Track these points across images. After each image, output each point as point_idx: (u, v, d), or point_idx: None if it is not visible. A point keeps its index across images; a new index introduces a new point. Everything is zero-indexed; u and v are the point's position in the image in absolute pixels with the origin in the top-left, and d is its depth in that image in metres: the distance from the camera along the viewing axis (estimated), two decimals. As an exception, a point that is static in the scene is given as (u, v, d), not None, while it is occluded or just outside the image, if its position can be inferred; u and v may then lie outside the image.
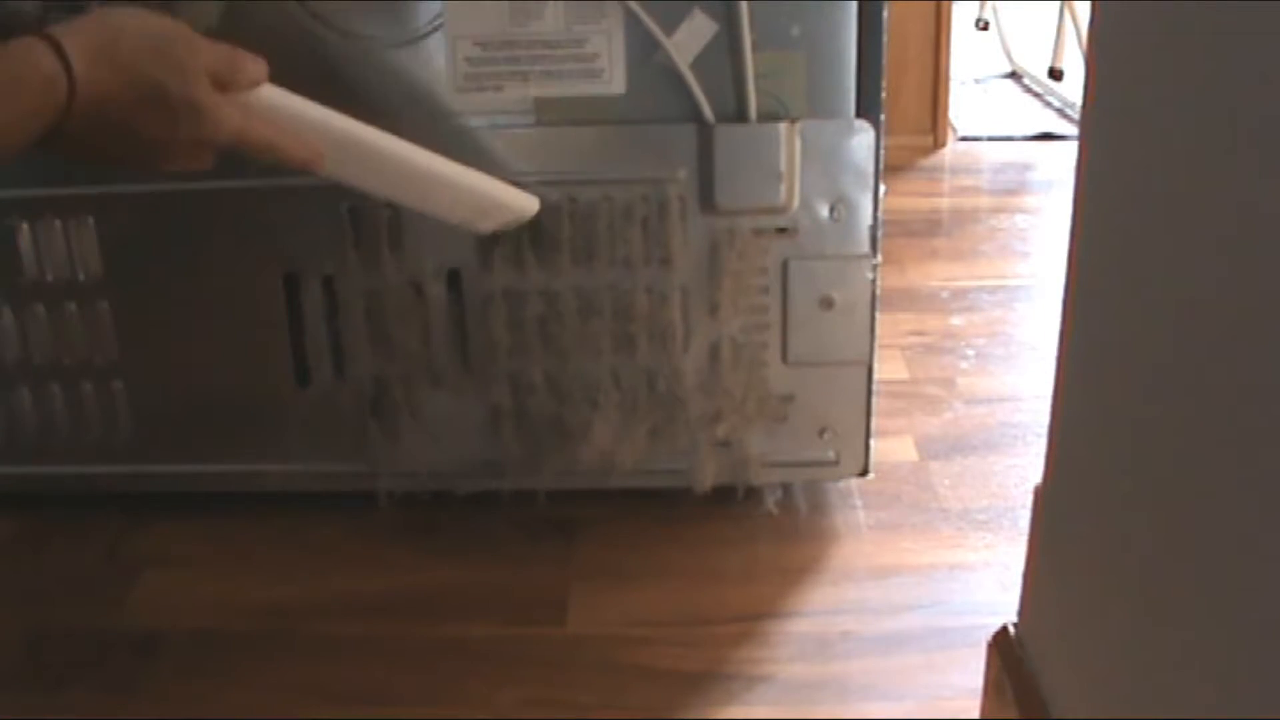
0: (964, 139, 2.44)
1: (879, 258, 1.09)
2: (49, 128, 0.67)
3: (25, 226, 1.09)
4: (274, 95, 0.82)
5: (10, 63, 0.66)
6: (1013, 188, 2.23)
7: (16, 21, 0.82)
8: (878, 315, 1.11)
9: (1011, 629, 0.83)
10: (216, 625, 1.06)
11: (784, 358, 1.12)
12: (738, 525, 1.18)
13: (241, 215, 1.09)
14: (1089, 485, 0.73)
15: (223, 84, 0.76)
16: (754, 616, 1.06)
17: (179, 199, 1.08)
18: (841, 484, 1.23)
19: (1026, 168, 2.30)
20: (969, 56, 2.94)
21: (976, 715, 0.89)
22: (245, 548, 1.17)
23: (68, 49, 0.67)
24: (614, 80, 1.03)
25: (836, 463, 1.16)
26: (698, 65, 1.03)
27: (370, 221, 1.08)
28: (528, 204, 1.04)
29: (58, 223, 1.09)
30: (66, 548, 1.18)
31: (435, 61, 1.03)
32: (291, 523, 1.19)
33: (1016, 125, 2.52)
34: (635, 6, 1.01)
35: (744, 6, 1.01)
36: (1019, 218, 2.02)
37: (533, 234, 1.07)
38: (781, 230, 1.08)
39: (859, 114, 1.05)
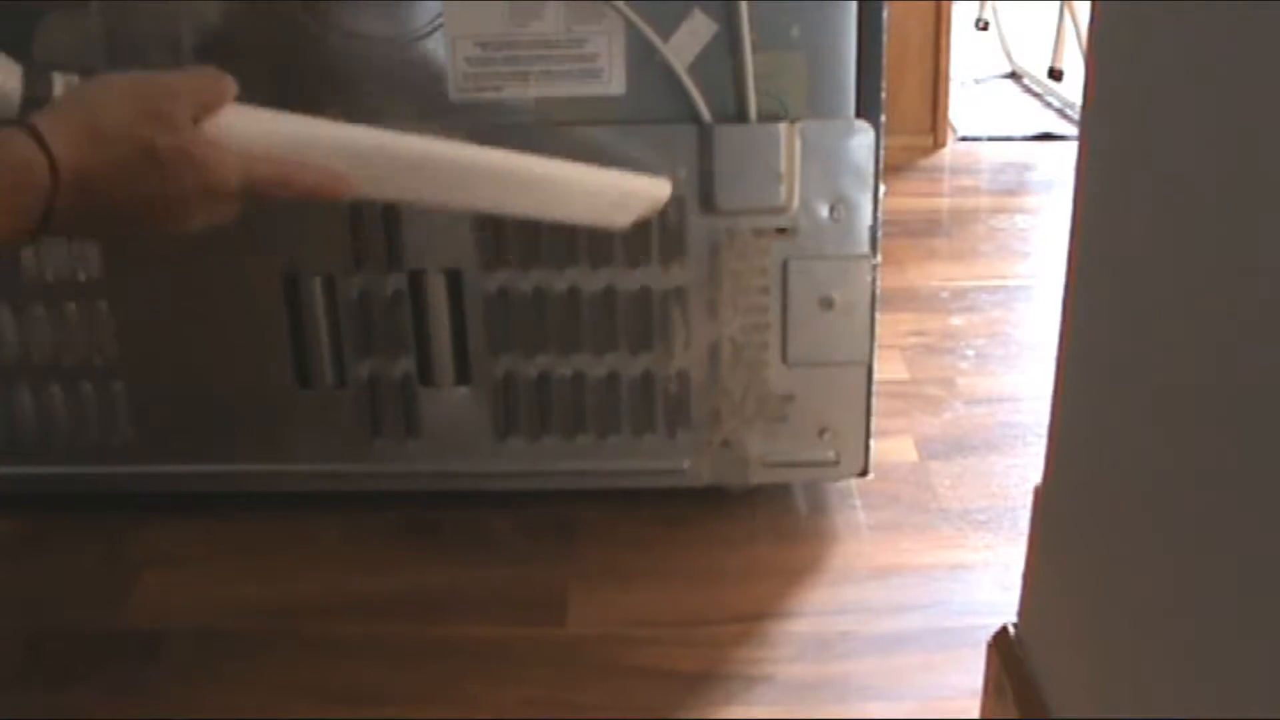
0: (964, 139, 2.44)
1: (879, 258, 1.09)
2: (40, 214, 0.66)
3: (25, 226, 1.09)
4: (261, 119, 0.76)
5: None
6: (1013, 188, 2.23)
7: None
8: (878, 315, 1.11)
9: (1011, 629, 0.83)
10: (216, 625, 1.06)
11: (784, 358, 1.12)
12: (737, 525, 1.18)
13: (242, 215, 1.09)
14: (1089, 485, 0.73)
15: (211, 110, 0.73)
16: (754, 616, 1.06)
17: (179, 199, 1.08)
18: (841, 484, 1.23)
19: (1026, 168, 2.30)
20: (969, 56, 2.93)
21: (976, 715, 0.89)
22: (245, 548, 1.17)
23: (44, 131, 0.66)
24: (614, 80, 1.03)
25: (836, 463, 1.16)
26: (698, 65, 1.03)
27: (370, 221, 1.08)
28: (659, 188, 0.92)
29: (58, 223, 1.09)
30: (66, 548, 1.18)
31: (435, 61, 1.03)
32: (291, 523, 1.19)
33: (1016, 125, 2.52)
34: (631, 13, 1.01)
35: (744, 7, 1.01)
36: (1019, 218, 2.02)
37: (532, 234, 1.07)
38: (781, 230, 1.08)
39: (859, 114, 1.05)
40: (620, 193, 0.90)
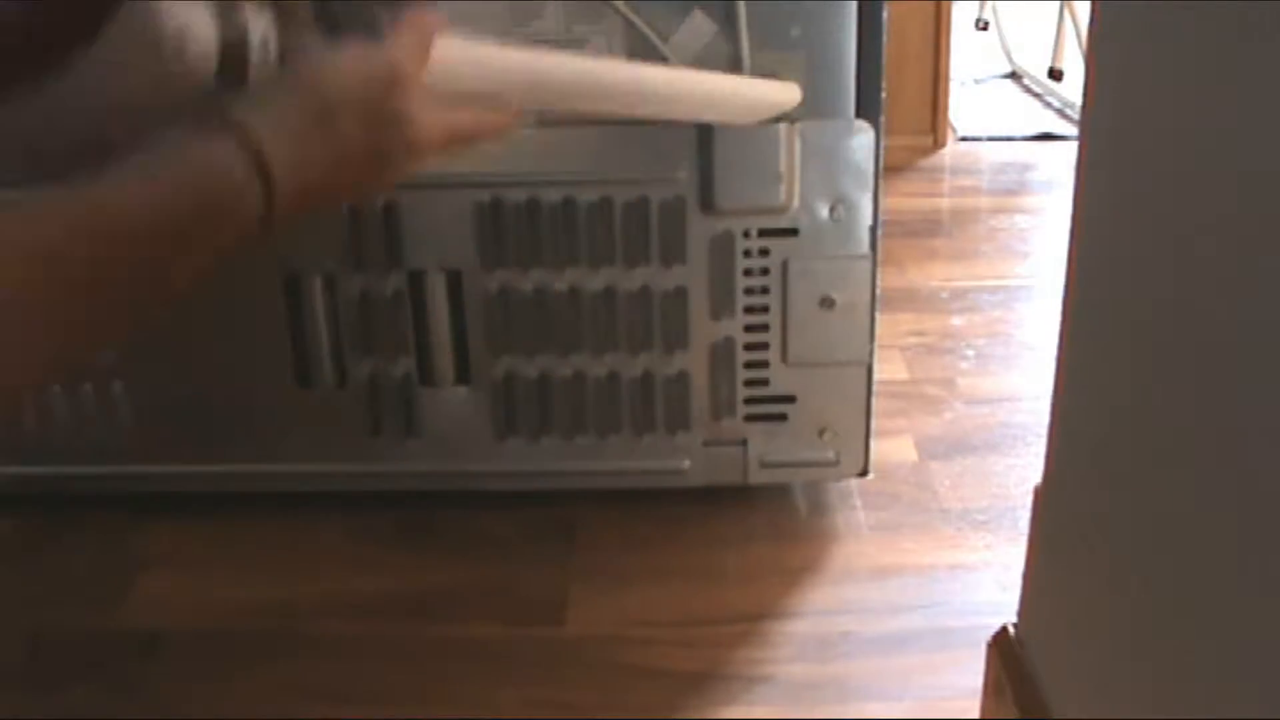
0: (964, 139, 2.44)
1: (879, 258, 1.09)
2: (240, 239, 0.60)
3: (25, 226, 1.09)
4: (458, 55, 0.74)
5: (192, 186, 0.57)
6: (1013, 188, 2.23)
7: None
8: (878, 315, 1.11)
9: (1011, 629, 0.83)
10: (216, 625, 1.06)
11: (784, 358, 1.12)
12: (737, 525, 1.18)
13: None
14: (1089, 485, 0.73)
15: (426, 58, 0.70)
16: (754, 616, 1.06)
17: (179, 199, 1.08)
18: (841, 484, 1.23)
19: (1026, 168, 2.30)
20: (969, 56, 2.93)
21: (976, 715, 0.89)
22: (245, 548, 1.17)
23: (267, 153, 0.59)
24: (614, 80, 1.03)
25: (836, 463, 1.16)
26: (697, 65, 1.03)
27: (370, 221, 1.08)
28: (789, 94, 1.00)
29: (58, 223, 1.09)
30: (66, 548, 1.18)
31: (435, 61, 1.03)
32: (291, 523, 1.19)
33: (1016, 125, 2.52)
34: (631, 14, 1.01)
35: (744, 7, 1.01)
36: (1019, 218, 2.02)
37: (532, 234, 1.07)
38: (782, 230, 1.08)
39: (859, 114, 1.05)
40: (752, 98, 0.98)
